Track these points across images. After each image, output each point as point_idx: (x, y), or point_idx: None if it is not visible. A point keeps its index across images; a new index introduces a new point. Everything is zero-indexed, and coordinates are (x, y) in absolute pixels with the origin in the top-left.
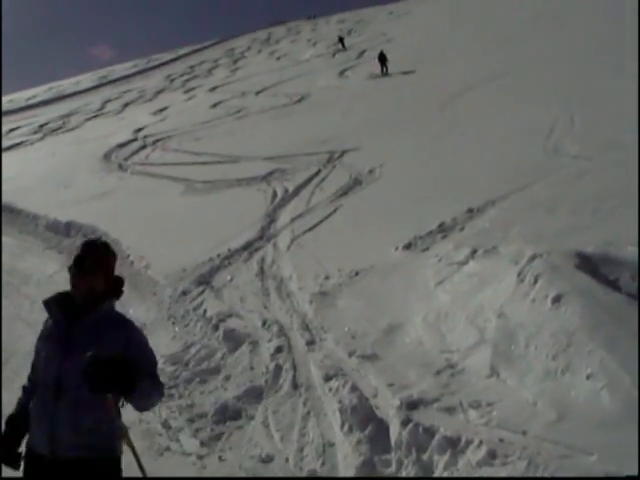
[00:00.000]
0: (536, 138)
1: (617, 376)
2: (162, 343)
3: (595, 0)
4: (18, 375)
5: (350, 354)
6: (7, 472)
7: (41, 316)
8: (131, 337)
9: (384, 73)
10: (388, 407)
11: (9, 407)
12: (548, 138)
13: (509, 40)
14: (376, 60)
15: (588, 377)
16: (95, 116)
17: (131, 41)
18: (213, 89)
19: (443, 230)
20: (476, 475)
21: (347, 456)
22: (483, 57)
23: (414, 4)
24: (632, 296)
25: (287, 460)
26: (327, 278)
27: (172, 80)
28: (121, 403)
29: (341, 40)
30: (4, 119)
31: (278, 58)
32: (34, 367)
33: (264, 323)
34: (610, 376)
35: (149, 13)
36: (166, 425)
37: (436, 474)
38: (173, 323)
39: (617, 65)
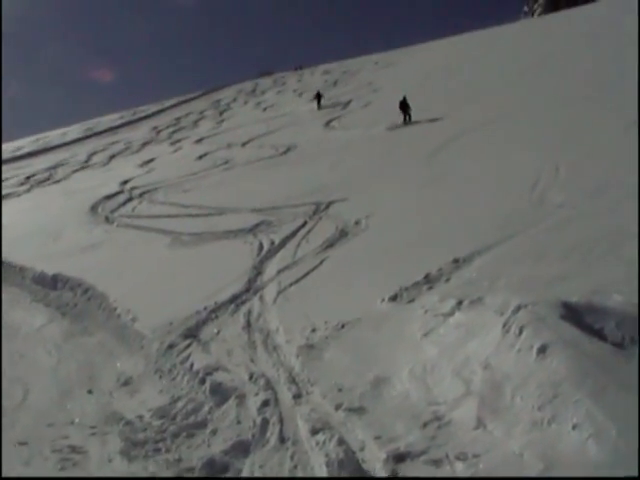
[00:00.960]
0: (522, 187)
1: (603, 426)
2: (149, 397)
3: (578, 51)
4: None
5: (337, 407)
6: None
7: (27, 371)
8: None
9: (406, 122)
10: (375, 460)
11: None
12: (534, 187)
13: (494, 89)
14: (397, 108)
15: (574, 427)
16: (82, 168)
17: (117, 92)
18: (199, 140)
19: (429, 281)
20: None
21: None
22: (468, 106)
23: (400, 54)
24: (617, 345)
25: None
26: (314, 331)
27: (158, 132)
28: None
29: (318, 97)
30: None
31: (264, 109)
32: None
33: (251, 376)
34: (596, 426)
35: (135, 64)
36: None
37: None
38: (160, 377)
39: (602, 114)
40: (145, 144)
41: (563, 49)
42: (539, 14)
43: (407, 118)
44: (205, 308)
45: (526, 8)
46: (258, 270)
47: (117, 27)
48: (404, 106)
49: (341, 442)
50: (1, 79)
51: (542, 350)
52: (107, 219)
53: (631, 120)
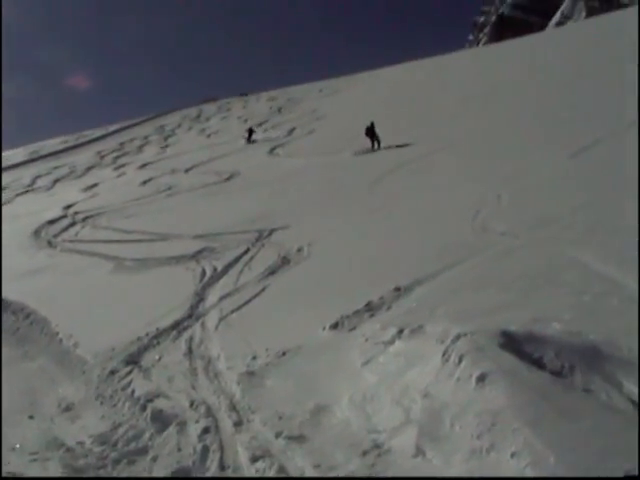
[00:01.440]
0: (464, 216)
1: (541, 454)
2: (90, 423)
3: (523, 81)
4: None
5: (277, 435)
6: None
7: None
8: None
9: (374, 148)
10: None
11: None
12: (476, 216)
13: (438, 119)
14: (364, 135)
15: (513, 455)
16: (26, 192)
17: (60, 117)
18: (143, 166)
19: (371, 309)
20: None
21: None
22: (412, 136)
23: (344, 82)
24: (556, 374)
25: None
26: (255, 358)
27: (102, 156)
28: None
29: (250, 132)
30: None
31: (208, 135)
32: None
33: (192, 404)
34: (534, 454)
35: (77, 90)
36: None
37: None
38: (101, 403)
39: (546, 144)
40: (89, 169)
41: (508, 79)
42: (484, 43)
43: (375, 145)
44: (147, 334)
45: (471, 36)
46: (200, 297)
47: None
48: (371, 132)
49: (281, 470)
50: (1, 79)
51: (481, 379)
52: (50, 244)
53: (575, 150)
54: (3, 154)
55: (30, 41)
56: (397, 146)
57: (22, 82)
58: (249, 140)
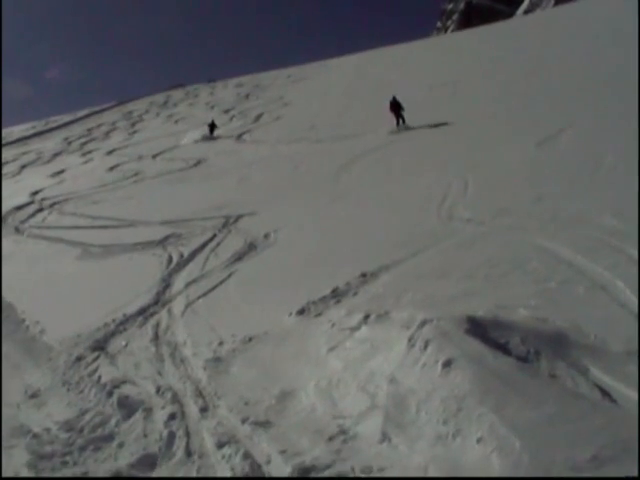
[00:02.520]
0: (430, 204)
1: (507, 440)
2: (57, 409)
3: (489, 70)
4: None
5: (243, 421)
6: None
7: None
8: None
9: (400, 125)
10: (280, 474)
11: None
12: (442, 204)
13: (406, 107)
14: (388, 110)
15: (478, 441)
16: None
17: (28, 102)
18: (110, 152)
19: (336, 295)
20: None
21: None
22: (377, 123)
23: (312, 69)
24: (522, 359)
25: None
26: (221, 344)
27: (70, 142)
28: None
29: (211, 126)
30: None
31: (176, 121)
32: None
33: (158, 390)
34: (500, 440)
35: (45, 75)
36: None
37: None
38: (68, 389)
39: (513, 132)
40: (56, 155)
41: (475, 67)
42: (452, 30)
43: (400, 120)
44: (113, 320)
45: (439, 24)
46: (167, 283)
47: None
48: (396, 107)
49: (247, 456)
50: (1, 79)
51: (447, 365)
52: (17, 230)
53: (541, 138)
54: None
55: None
56: (362, 134)
57: None
58: (211, 134)
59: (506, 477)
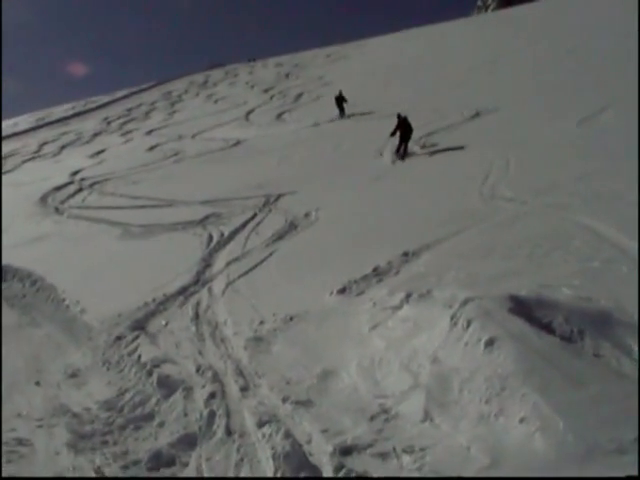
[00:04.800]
0: (472, 183)
1: (550, 420)
2: (97, 389)
3: (529, 50)
4: None
5: (284, 400)
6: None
7: None
8: None
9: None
10: (321, 453)
11: None
12: (484, 183)
13: (447, 86)
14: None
15: (521, 421)
16: (32, 158)
17: (69, 83)
18: (150, 132)
19: (378, 274)
20: None
21: None
22: (420, 103)
23: (352, 48)
24: (565, 339)
25: None
26: (262, 323)
27: (109, 123)
28: None
29: (339, 100)
30: None
31: (216, 101)
32: None
33: (198, 369)
34: (543, 420)
35: (87, 54)
36: (100, 472)
37: None
38: (108, 369)
39: (555, 110)
40: (96, 135)
41: (516, 47)
42: (493, 9)
43: (342, 113)
44: (154, 300)
45: (480, 2)
46: (207, 262)
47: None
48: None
49: (288, 435)
50: (1, 78)
51: (489, 344)
52: (57, 210)
53: (583, 116)
54: (10, 121)
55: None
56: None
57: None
58: (341, 113)
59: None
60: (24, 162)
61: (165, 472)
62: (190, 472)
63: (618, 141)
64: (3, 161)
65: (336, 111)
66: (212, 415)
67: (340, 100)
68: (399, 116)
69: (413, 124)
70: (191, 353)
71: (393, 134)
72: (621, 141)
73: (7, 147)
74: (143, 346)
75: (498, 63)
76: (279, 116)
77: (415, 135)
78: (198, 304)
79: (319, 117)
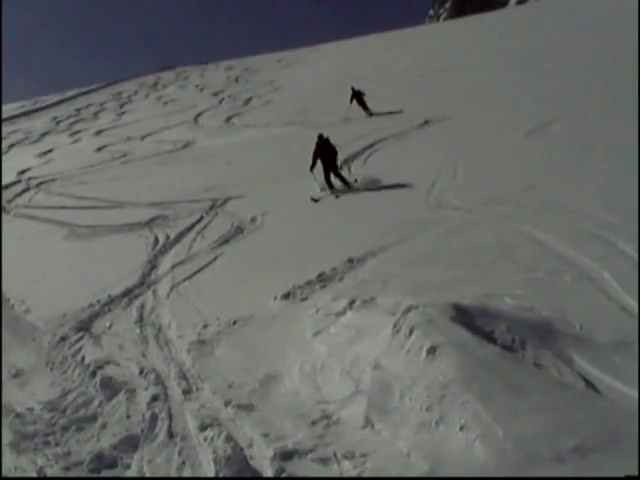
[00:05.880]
0: (418, 190)
1: (490, 428)
2: (40, 389)
3: (479, 60)
4: None
5: (226, 404)
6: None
7: None
8: None
9: (369, 113)
10: (262, 457)
11: None
12: (430, 190)
13: (395, 94)
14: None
15: (462, 428)
16: None
17: (16, 82)
18: (99, 133)
19: (322, 280)
20: None
21: None
22: (372, 106)
23: (303, 54)
24: (507, 348)
25: None
26: (206, 327)
27: (58, 122)
28: None
29: (357, 95)
30: None
31: (165, 103)
32: None
33: (141, 371)
34: (483, 428)
35: (34, 52)
36: (41, 473)
37: None
38: (51, 369)
39: (505, 120)
40: (44, 134)
41: (466, 56)
42: (444, 18)
43: (367, 109)
44: (98, 301)
45: (432, 12)
46: (153, 264)
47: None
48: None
49: (229, 439)
50: (1, 78)
51: (431, 351)
52: (3, 209)
53: (532, 127)
54: None
55: None
56: (351, 120)
57: None
58: (365, 109)
59: (509, 477)
60: None
61: (107, 473)
62: (132, 474)
63: (566, 153)
64: None
65: (346, 108)
66: (154, 418)
67: (358, 95)
68: (320, 137)
69: (363, 130)
70: (135, 355)
71: (313, 167)
72: (569, 153)
73: None
74: (87, 347)
75: (450, 72)
76: (228, 119)
77: (363, 142)
78: (143, 306)
79: (269, 121)
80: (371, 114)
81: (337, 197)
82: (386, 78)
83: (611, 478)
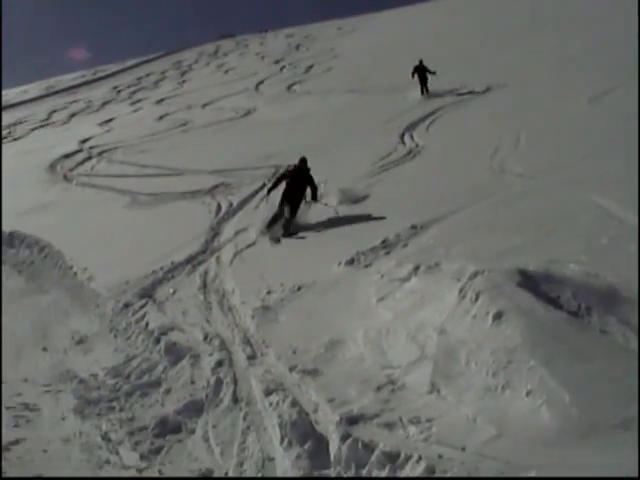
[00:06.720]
0: (482, 157)
1: (556, 393)
2: (103, 356)
3: (543, 22)
4: None
5: (291, 369)
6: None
7: None
8: None
9: (425, 94)
10: (328, 422)
11: None
12: (493, 157)
13: (459, 59)
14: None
15: (527, 394)
16: (41, 126)
17: (78, 51)
18: (160, 101)
19: (386, 246)
20: None
21: (286, 471)
22: (432, 78)
23: (363, 21)
24: (573, 314)
25: (226, 474)
26: (269, 293)
27: (119, 91)
28: None
29: (421, 72)
30: None
31: (226, 71)
32: None
33: (206, 337)
34: (549, 393)
35: (97, 23)
36: (106, 438)
37: None
38: (115, 336)
39: (563, 88)
40: (105, 103)
41: (525, 21)
42: None
43: (424, 89)
44: (161, 268)
45: None
46: (215, 231)
47: None
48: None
49: (294, 403)
50: (1, 79)
51: (497, 317)
52: (65, 178)
53: (594, 94)
54: (19, 88)
55: None
56: (412, 87)
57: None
58: (425, 89)
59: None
60: (33, 130)
61: (171, 438)
62: (196, 439)
63: (628, 120)
64: (12, 128)
65: (411, 87)
66: (219, 383)
67: (422, 71)
68: (301, 162)
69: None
70: (199, 321)
71: (272, 189)
72: (631, 120)
73: (16, 115)
74: (151, 313)
75: (510, 38)
76: (289, 87)
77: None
78: (206, 273)
79: (329, 88)
80: (428, 96)
81: (274, 242)
82: (446, 45)
83: (611, 478)
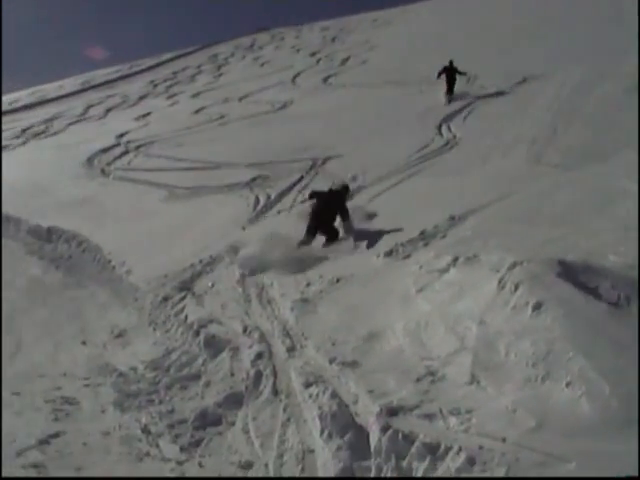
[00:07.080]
0: (518, 147)
1: (596, 384)
2: (142, 349)
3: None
4: None
5: (330, 361)
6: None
7: (21, 322)
8: None
9: (449, 95)
10: (368, 414)
11: None
12: (530, 148)
13: (492, 52)
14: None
15: (567, 385)
16: (78, 121)
17: (114, 46)
18: (196, 95)
19: (424, 238)
20: None
21: (326, 463)
22: (469, 65)
23: (398, 13)
24: (612, 304)
25: (266, 466)
26: (308, 285)
27: (155, 85)
28: None
29: (451, 74)
30: None
31: (262, 64)
32: None
33: (245, 329)
34: (589, 384)
35: (132, 18)
36: (146, 430)
37: None
38: (154, 329)
39: (602, 77)
40: (142, 98)
41: (561, 11)
42: None
43: (450, 94)
44: (200, 261)
45: None
46: (254, 224)
47: None
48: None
49: (334, 395)
50: (1, 80)
51: (537, 307)
52: (103, 172)
53: (630, 85)
54: (55, 83)
55: None
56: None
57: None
58: (449, 93)
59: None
60: (70, 125)
61: (211, 430)
62: (236, 431)
63: None
64: (49, 123)
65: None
66: (259, 375)
67: (450, 73)
68: (344, 188)
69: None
70: (238, 314)
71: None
72: None
73: (52, 109)
74: (189, 307)
75: (545, 29)
76: (325, 80)
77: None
78: None
79: (365, 81)
80: (451, 98)
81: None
82: (478, 38)
83: (610, 478)
